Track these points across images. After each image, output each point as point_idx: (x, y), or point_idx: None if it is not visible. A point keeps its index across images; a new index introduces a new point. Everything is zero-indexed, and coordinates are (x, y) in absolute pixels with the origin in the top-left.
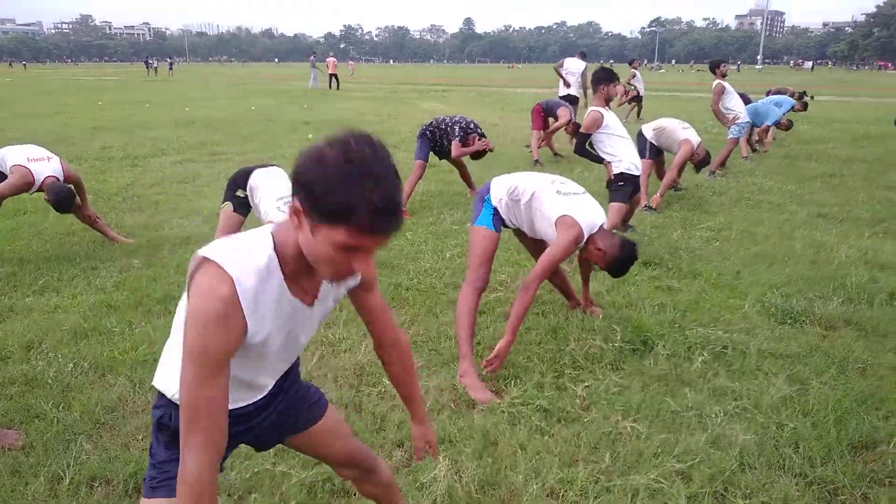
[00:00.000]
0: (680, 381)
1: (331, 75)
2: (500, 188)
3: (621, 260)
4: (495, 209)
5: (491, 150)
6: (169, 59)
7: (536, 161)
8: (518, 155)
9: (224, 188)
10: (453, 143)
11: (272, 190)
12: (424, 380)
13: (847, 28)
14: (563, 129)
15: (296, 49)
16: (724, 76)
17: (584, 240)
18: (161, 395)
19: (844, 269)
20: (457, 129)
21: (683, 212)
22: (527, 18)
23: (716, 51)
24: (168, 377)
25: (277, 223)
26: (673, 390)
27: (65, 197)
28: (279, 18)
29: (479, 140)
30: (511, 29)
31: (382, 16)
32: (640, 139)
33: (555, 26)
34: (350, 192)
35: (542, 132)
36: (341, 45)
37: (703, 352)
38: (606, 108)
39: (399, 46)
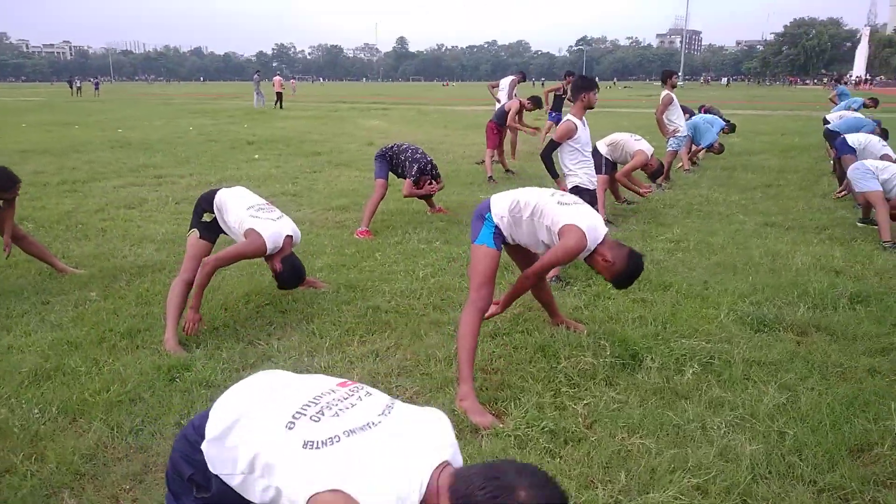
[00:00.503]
0: (675, 394)
1: (277, 93)
2: (501, 205)
3: (629, 271)
4: (496, 227)
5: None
6: (95, 79)
7: (490, 178)
8: (472, 171)
9: (175, 213)
10: (406, 181)
11: (241, 201)
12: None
13: (758, 46)
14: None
15: (226, 68)
16: (673, 87)
17: (588, 249)
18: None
19: (803, 275)
20: (414, 168)
21: (641, 224)
22: (459, 38)
23: (639, 68)
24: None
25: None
26: (670, 403)
27: None
28: (208, 37)
29: (429, 184)
30: (444, 48)
31: (315, 35)
32: (596, 155)
33: (486, 45)
34: None
35: (494, 150)
36: (273, 64)
37: (692, 363)
38: (583, 120)
39: (332, 65)
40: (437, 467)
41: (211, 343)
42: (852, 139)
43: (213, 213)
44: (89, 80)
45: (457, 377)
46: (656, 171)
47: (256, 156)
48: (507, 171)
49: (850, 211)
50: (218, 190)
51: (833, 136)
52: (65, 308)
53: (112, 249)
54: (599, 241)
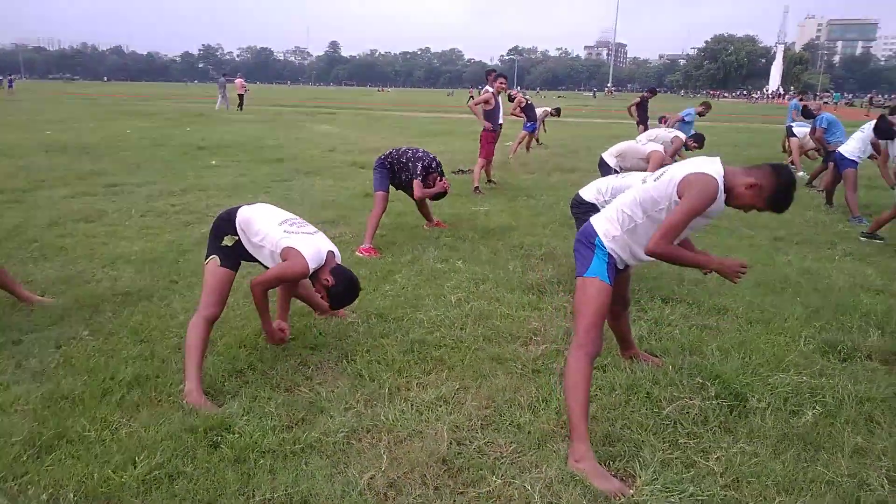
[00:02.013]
0: (805, 442)
1: (239, 95)
2: (611, 226)
3: (783, 185)
4: (610, 255)
5: (446, 192)
6: (10, 76)
7: (476, 188)
8: (455, 180)
9: (143, 228)
10: (415, 182)
11: (269, 218)
12: (518, 474)
13: (680, 60)
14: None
15: (150, 69)
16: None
17: (720, 188)
18: None
19: (850, 296)
20: (419, 166)
21: None
22: (392, 44)
23: (568, 79)
24: None
25: None
26: (809, 454)
27: None
28: (129, 36)
29: (439, 180)
30: (377, 53)
31: (243, 36)
32: (604, 167)
33: (419, 52)
34: None
35: (487, 161)
36: (199, 65)
37: (808, 403)
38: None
39: (262, 67)
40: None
41: (242, 392)
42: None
43: (237, 234)
44: (1, 77)
45: (567, 434)
46: None
47: (213, 162)
48: (490, 181)
49: (845, 224)
50: (238, 208)
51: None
52: (45, 350)
53: (81, 272)
54: (725, 173)
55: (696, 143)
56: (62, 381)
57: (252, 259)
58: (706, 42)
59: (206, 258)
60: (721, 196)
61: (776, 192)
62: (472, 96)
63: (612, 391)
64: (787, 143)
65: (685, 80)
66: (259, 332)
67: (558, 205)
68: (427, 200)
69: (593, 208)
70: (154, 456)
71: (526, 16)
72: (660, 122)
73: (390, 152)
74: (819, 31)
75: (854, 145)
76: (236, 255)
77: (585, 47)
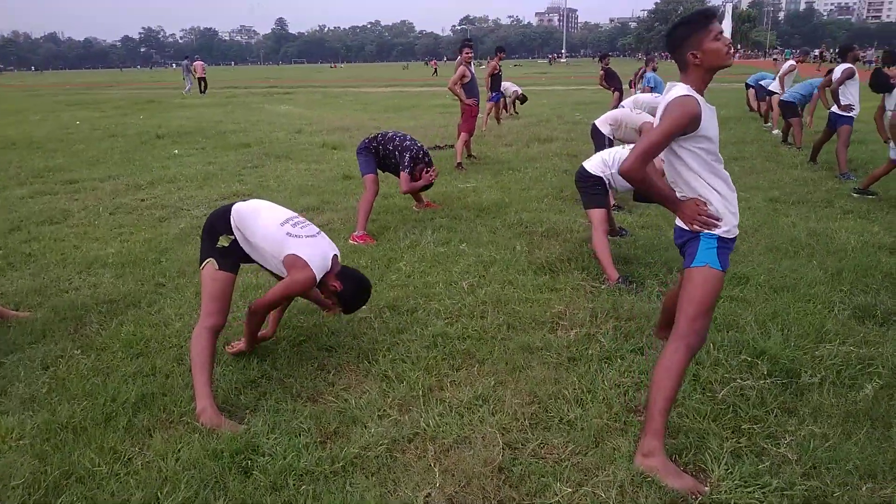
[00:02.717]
0: (871, 419)
1: (199, 78)
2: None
3: None
4: (719, 238)
5: (432, 183)
6: None
7: (459, 164)
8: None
9: (115, 227)
10: (402, 174)
11: (269, 216)
12: (585, 478)
13: (631, 23)
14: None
15: (88, 55)
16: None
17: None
18: None
19: (867, 256)
20: (406, 157)
21: (652, 207)
22: (340, 18)
23: (521, 46)
24: None
25: None
26: (880, 432)
27: None
28: (63, 22)
29: (426, 173)
30: (326, 29)
31: (186, 18)
32: (598, 135)
33: (369, 26)
34: None
35: (469, 134)
36: (141, 49)
37: (864, 376)
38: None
39: (207, 48)
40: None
41: (262, 405)
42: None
43: (232, 234)
44: None
45: (622, 427)
46: None
47: (176, 151)
48: (470, 155)
49: (834, 181)
50: (232, 206)
51: (787, 106)
52: (32, 372)
53: (55, 280)
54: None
55: None
56: (58, 408)
57: (250, 260)
58: (656, 3)
59: (202, 262)
60: (704, 114)
61: None
62: (435, 69)
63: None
64: (750, 102)
65: (637, 43)
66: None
67: (545, 177)
68: None
69: (600, 182)
70: (179, 489)
71: None
72: (631, 86)
73: (376, 136)
74: None
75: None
76: (235, 256)
77: (536, 14)
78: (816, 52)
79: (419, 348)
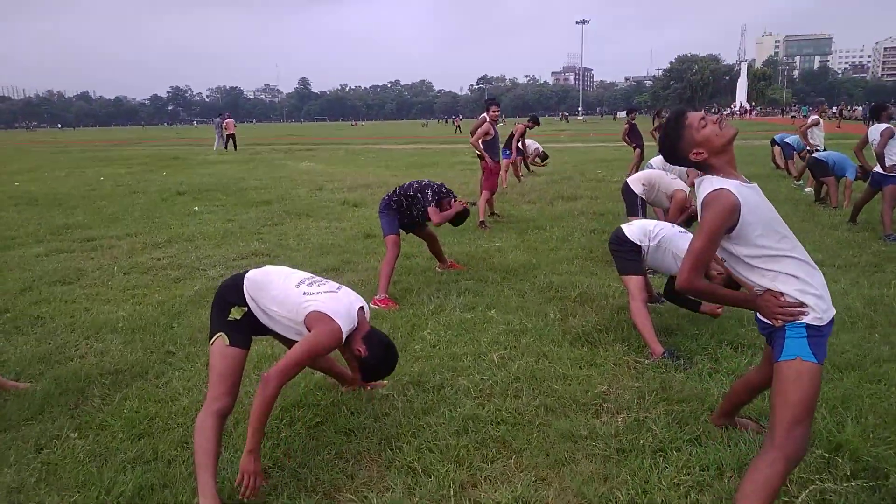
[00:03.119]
0: None
1: (228, 136)
2: (801, 286)
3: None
4: (808, 326)
5: (468, 211)
6: None
7: (482, 223)
8: None
9: (128, 288)
10: (429, 208)
11: (284, 280)
12: None
13: (646, 82)
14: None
15: (118, 112)
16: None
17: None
18: None
19: None
20: (429, 193)
21: None
22: (361, 78)
23: (538, 104)
24: None
25: None
26: None
27: None
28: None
29: (455, 201)
30: (347, 88)
31: (212, 77)
32: (629, 193)
33: (389, 85)
34: None
35: (491, 193)
36: (169, 107)
37: None
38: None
39: (233, 107)
40: (360, 308)
41: (271, 500)
42: None
43: (246, 305)
44: None
45: None
46: (693, 215)
47: (197, 208)
48: (493, 213)
49: (880, 243)
50: (244, 273)
51: (819, 165)
52: (23, 455)
53: (61, 346)
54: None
55: None
56: (45, 501)
57: (266, 332)
58: (671, 62)
59: (211, 337)
60: (744, 201)
61: None
62: (458, 126)
63: (722, 474)
64: (776, 159)
65: (653, 101)
66: (281, 416)
67: (573, 237)
68: (438, 234)
69: (637, 249)
70: None
71: (492, 46)
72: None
73: (395, 191)
74: (777, 47)
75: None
76: (248, 330)
77: (553, 73)
78: (835, 109)
79: (448, 434)
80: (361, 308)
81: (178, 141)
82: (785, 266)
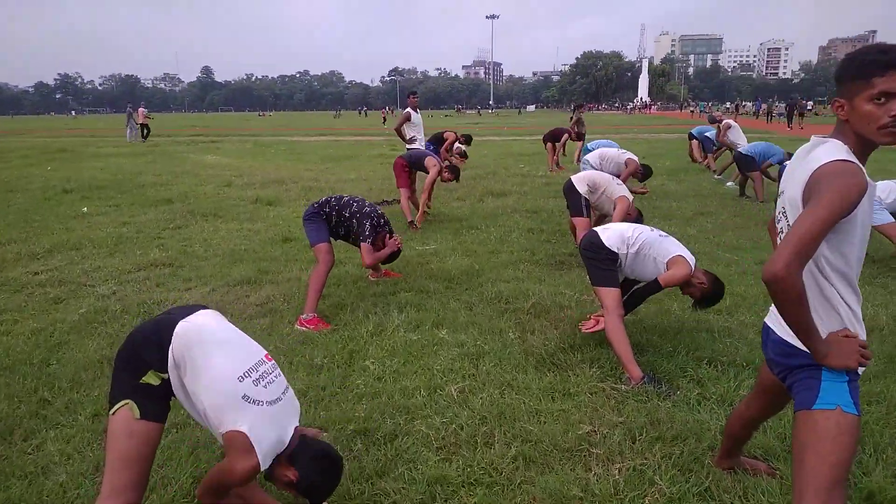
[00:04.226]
0: None
1: (141, 125)
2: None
3: (716, 294)
4: (849, 375)
5: (400, 250)
6: None
7: (411, 223)
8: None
9: None
10: (363, 246)
11: (228, 361)
12: None
13: (553, 76)
14: (440, 177)
15: None
16: None
17: None
18: None
19: None
20: (367, 225)
21: None
22: (268, 67)
23: (450, 97)
24: None
25: None
26: None
27: None
28: None
29: (389, 239)
30: (254, 77)
31: (105, 65)
32: (573, 193)
33: (298, 75)
34: None
35: (409, 189)
36: (57, 96)
37: None
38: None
39: (129, 95)
40: (297, 427)
41: None
42: None
43: (166, 371)
44: None
45: None
46: (636, 220)
47: (86, 209)
48: (424, 212)
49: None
50: (174, 323)
51: (746, 160)
52: None
53: None
54: None
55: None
56: None
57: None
58: (577, 59)
59: (113, 404)
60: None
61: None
62: (384, 118)
63: None
64: (694, 153)
65: (560, 95)
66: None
67: (511, 237)
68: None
69: (615, 258)
70: None
71: (403, 38)
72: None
73: (327, 200)
74: (673, 46)
75: None
76: (165, 399)
77: (463, 66)
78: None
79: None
80: (296, 428)
81: (69, 132)
82: (846, 289)
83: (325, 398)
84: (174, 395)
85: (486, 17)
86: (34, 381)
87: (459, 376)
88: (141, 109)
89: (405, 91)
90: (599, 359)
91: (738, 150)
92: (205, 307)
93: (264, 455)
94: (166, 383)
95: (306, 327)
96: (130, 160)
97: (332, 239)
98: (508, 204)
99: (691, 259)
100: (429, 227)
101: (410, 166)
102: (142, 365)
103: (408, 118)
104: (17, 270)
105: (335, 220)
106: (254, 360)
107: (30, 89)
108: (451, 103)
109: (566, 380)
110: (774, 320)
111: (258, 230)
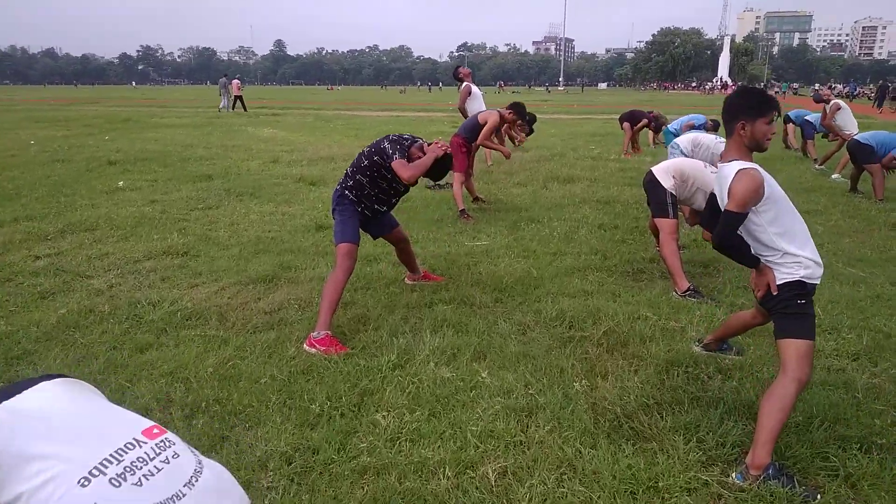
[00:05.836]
0: None
1: (236, 97)
2: None
3: None
4: None
5: (449, 156)
6: None
7: (463, 211)
8: (431, 199)
9: None
10: (395, 163)
11: (74, 446)
12: None
13: (627, 54)
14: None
15: (84, 71)
16: None
17: None
18: None
19: None
20: (387, 146)
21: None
22: (339, 42)
23: (518, 73)
24: None
25: None
26: None
27: None
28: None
29: (428, 145)
30: (325, 52)
31: (184, 37)
32: (655, 188)
33: (367, 49)
34: None
35: (464, 174)
36: (139, 67)
37: None
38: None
39: (205, 68)
40: None
41: None
42: None
43: None
44: None
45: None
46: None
47: (121, 183)
48: (477, 199)
49: None
50: (12, 395)
51: (864, 150)
52: None
53: None
54: None
55: None
56: None
57: None
58: (653, 35)
59: None
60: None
61: None
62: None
63: None
64: (789, 139)
65: (634, 73)
66: None
67: (578, 234)
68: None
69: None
70: None
71: (473, 13)
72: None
73: (346, 173)
74: (757, 23)
75: None
76: None
77: (534, 42)
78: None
79: None
80: None
81: (142, 102)
82: None
83: (315, 469)
84: None
85: None
86: None
87: (501, 446)
88: (235, 81)
89: (474, 67)
90: (698, 424)
91: (855, 138)
92: (52, 377)
93: None
94: None
95: (316, 348)
96: (187, 132)
97: (364, 235)
98: (576, 192)
99: None
100: (482, 217)
101: (468, 143)
102: None
103: (469, 92)
104: (19, 254)
105: (365, 182)
106: (120, 440)
107: (115, 60)
108: (520, 80)
109: (652, 461)
110: None
111: (293, 214)
